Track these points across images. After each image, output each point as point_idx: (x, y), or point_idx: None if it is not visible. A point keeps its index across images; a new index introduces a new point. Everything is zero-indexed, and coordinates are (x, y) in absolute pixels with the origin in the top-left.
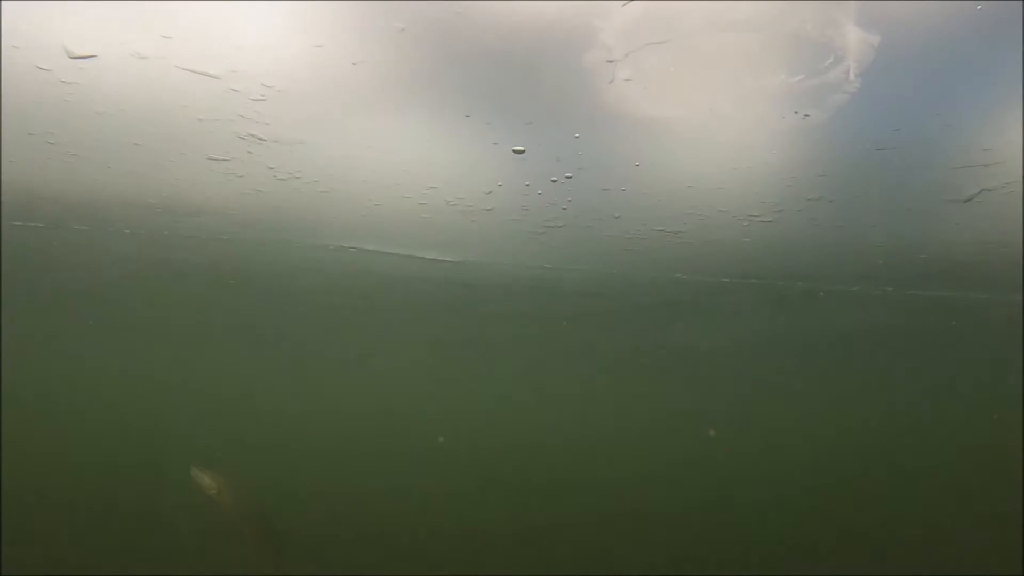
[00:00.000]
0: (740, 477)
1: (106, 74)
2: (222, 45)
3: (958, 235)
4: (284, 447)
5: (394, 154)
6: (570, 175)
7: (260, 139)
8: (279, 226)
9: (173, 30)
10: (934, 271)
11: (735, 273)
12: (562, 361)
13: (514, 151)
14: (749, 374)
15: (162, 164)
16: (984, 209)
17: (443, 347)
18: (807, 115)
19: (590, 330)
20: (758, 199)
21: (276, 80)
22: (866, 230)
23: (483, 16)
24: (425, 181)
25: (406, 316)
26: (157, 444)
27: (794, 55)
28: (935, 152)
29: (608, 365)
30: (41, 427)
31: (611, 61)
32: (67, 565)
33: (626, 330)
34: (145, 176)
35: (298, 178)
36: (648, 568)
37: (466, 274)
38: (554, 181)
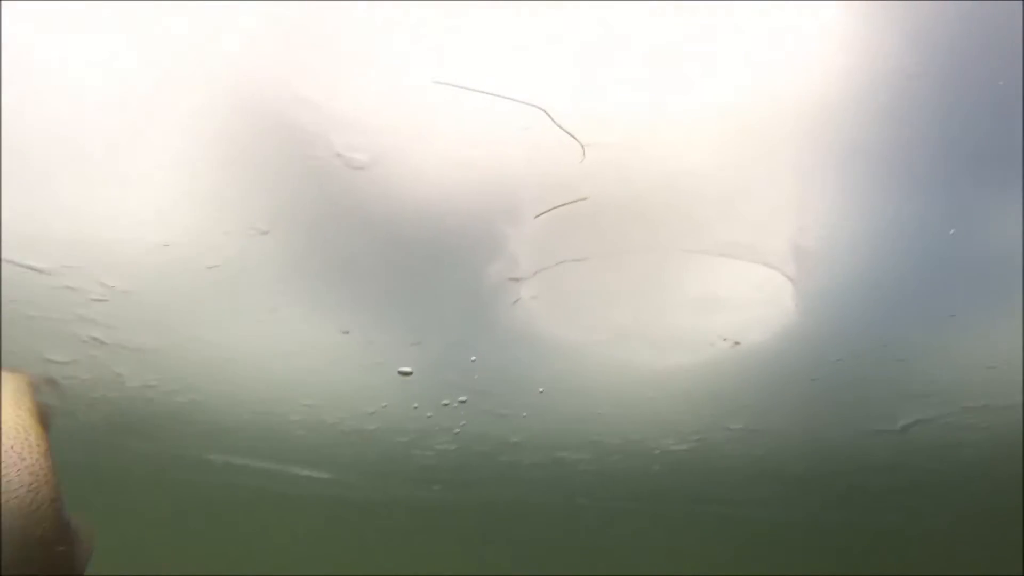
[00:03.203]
0: None
1: None
2: (49, 238)
3: (884, 464)
4: None
5: (261, 368)
6: (464, 399)
7: (103, 342)
8: (134, 432)
9: None
10: (855, 496)
11: (642, 497)
12: None
13: (400, 372)
14: None
15: None
16: (916, 439)
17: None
18: (737, 343)
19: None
20: (674, 428)
21: (117, 280)
22: (787, 460)
23: (363, 218)
24: (299, 398)
25: (281, 535)
26: None
27: (728, 276)
28: (876, 382)
29: None
30: None
31: (516, 279)
32: None
33: (520, 555)
34: None
35: (152, 387)
36: None
37: (345, 491)
38: (446, 405)
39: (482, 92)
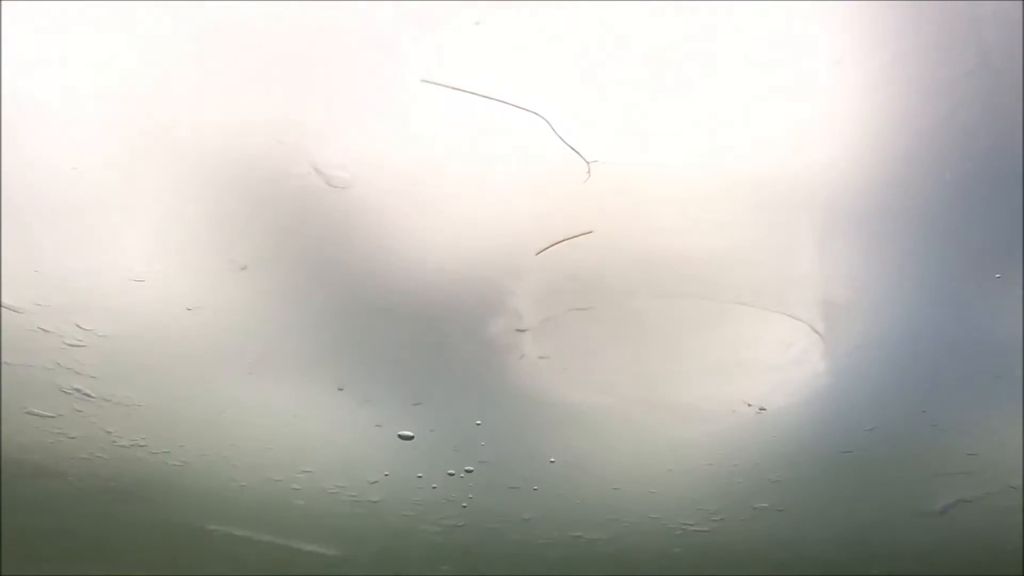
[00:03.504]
0: None
1: None
2: (19, 272)
3: (922, 550)
4: None
5: (254, 427)
6: (471, 469)
7: (87, 395)
8: (129, 497)
9: None
10: None
11: None
12: None
13: (400, 436)
14: None
15: None
16: (957, 522)
17: None
18: (762, 409)
19: None
20: (695, 505)
21: (94, 321)
22: (816, 545)
23: (350, 250)
24: (297, 464)
25: None
26: None
27: (752, 331)
28: (913, 456)
29: None
30: None
31: (521, 330)
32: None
33: None
34: None
35: (142, 446)
36: None
37: (354, 570)
38: (451, 475)
39: (474, 94)
